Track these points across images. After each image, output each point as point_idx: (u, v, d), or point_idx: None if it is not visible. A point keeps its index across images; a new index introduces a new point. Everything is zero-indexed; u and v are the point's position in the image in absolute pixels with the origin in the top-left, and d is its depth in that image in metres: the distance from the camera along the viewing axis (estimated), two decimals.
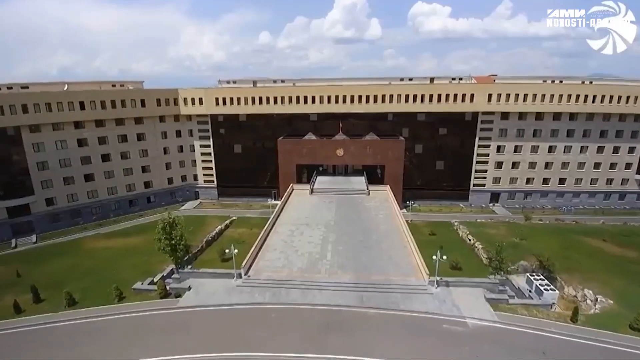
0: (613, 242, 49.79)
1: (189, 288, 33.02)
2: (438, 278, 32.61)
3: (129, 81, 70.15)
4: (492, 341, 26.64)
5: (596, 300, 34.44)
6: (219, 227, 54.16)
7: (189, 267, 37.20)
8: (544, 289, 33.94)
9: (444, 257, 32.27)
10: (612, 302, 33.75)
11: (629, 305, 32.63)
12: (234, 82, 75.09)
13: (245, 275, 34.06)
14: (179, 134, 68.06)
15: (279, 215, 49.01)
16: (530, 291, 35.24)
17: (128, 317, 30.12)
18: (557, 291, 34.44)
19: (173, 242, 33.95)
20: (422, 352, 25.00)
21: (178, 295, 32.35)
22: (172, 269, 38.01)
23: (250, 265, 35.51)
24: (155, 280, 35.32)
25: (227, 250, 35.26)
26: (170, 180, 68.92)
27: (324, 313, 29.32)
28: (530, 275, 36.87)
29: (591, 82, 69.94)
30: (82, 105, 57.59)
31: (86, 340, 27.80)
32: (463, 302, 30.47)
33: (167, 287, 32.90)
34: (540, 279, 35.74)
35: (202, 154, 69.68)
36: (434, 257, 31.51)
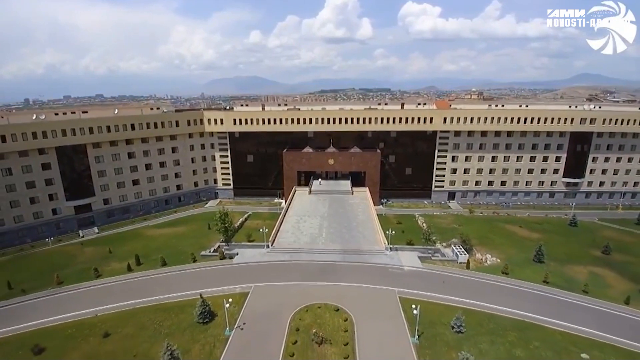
0: (526, 228, 73.82)
1: (237, 254, 55.76)
2: (391, 246, 55.92)
3: (162, 102, 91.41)
4: (416, 276, 50.12)
5: (491, 260, 58.03)
6: (241, 219, 76.18)
7: (232, 242, 59.61)
8: (460, 254, 57.40)
9: (394, 232, 55.53)
10: (499, 260, 57.43)
11: (510, 262, 56.18)
12: (247, 104, 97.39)
13: (271, 246, 56.75)
14: (203, 146, 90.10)
15: (287, 210, 71.55)
16: (452, 255, 58.68)
17: (204, 269, 52.87)
18: (468, 255, 57.79)
19: (225, 225, 56.28)
20: (375, 280, 48.15)
21: (231, 258, 55.01)
22: (219, 244, 60.13)
23: (274, 240, 58.26)
24: (211, 250, 57.66)
25: (260, 230, 57.57)
26: (196, 184, 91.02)
27: (322, 265, 52.40)
28: (454, 246, 60.34)
29: (527, 106, 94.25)
30: (132, 127, 78.98)
31: (182, 281, 50.10)
32: (404, 259, 54.04)
33: (224, 253, 55.27)
34: (459, 249, 59.08)
35: (221, 162, 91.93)
36: (387, 232, 54.70)
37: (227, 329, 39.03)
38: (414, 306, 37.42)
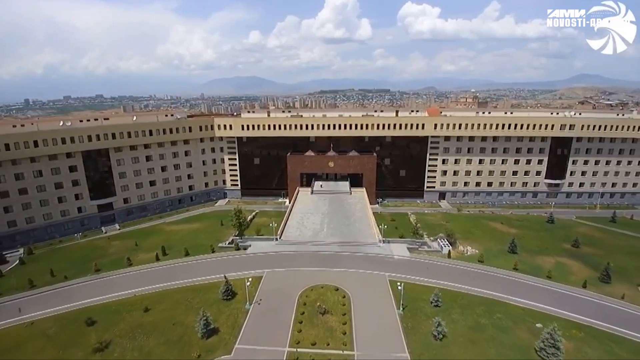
0: (506, 224, 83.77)
1: (250, 245, 65.79)
2: (384, 239, 66.03)
3: (177, 109, 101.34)
4: (405, 264, 60.26)
5: (471, 251, 68.09)
6: (249, 217, 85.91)
7: (244, 236, 69.63)
8: (444, 246, 67.48)
9: (386, 227, 65.64)
10: (477, 251, 67.43)
11: (487, 253, 66.18)
12: (253, 111, 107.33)
13: (279, 239, 66.78)
14: (213, 150, 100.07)
15: (292, 208, 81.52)
16: (437, 247, 68.73)
17: (223, 258, 62.88)
18: (451, 247, 67.81)
19: (240, 221, 66.29)
20: (370, 266, 58.24)
21: (245, 249, 65.03)
22: (233, 238, 69.99)
23: (281, 234, 68.30)
24: (227, 243, 67.64)
25: (269, 225, 67.51)
26: (206, 184, 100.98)
27: (324, 255, 62.52)
28: (440, 240, 70.39)
29: (512, 113, 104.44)
30: (150, 132, 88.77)
31: (205, 268, 60.03)
32: (395, 249, 64.17)
33: (238, 245, 65.24)
34: (444, 242, 69.08)
35: (230, 164, 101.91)
36: (380, 226, 64.74)
37: (247, 303, 48.92)
38: (399, 283, 47.46)
